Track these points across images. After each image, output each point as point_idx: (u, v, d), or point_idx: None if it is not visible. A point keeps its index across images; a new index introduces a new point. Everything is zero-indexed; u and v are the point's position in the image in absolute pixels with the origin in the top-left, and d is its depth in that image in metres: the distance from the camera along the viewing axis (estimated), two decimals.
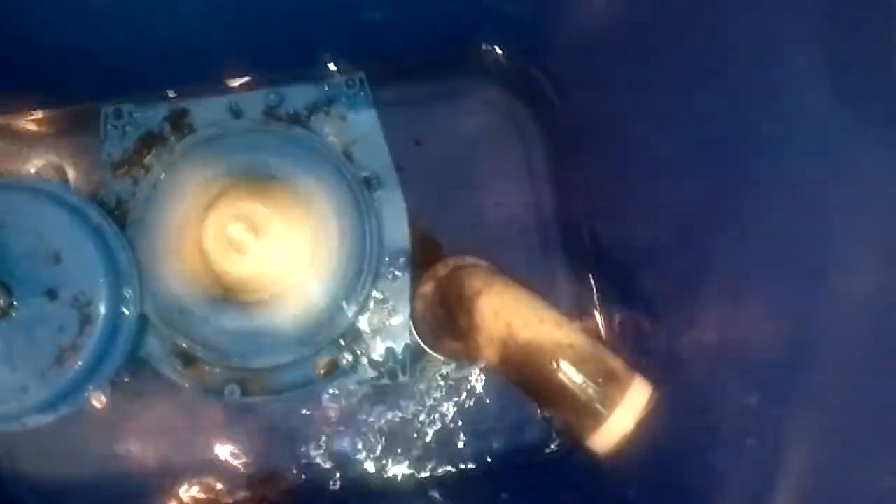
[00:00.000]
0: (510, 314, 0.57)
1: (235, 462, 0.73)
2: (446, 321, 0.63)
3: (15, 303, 0.62)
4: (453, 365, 0.72)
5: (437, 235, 0.80)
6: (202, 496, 0.75)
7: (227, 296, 0.66)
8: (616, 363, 0.55)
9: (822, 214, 0.45)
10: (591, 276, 0.78)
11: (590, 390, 0.54)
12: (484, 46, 0.81)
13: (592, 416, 0.54)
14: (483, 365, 0.71)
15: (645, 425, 0.55)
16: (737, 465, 0.52)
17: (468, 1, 0.74)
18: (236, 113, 0.70)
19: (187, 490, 0.75)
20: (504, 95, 0.83)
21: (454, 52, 0.82)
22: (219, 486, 0.74)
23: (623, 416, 0.54)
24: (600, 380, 0.54)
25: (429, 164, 0.82)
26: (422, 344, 0.72)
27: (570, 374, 0.54)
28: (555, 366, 0.55)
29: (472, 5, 0.75)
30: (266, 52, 0.73)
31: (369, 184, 0.69)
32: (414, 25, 0.76)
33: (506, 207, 0.83)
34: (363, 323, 0.69)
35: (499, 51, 0.81)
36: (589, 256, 0.78)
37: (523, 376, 0.56)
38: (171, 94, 0.73)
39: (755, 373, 0.53)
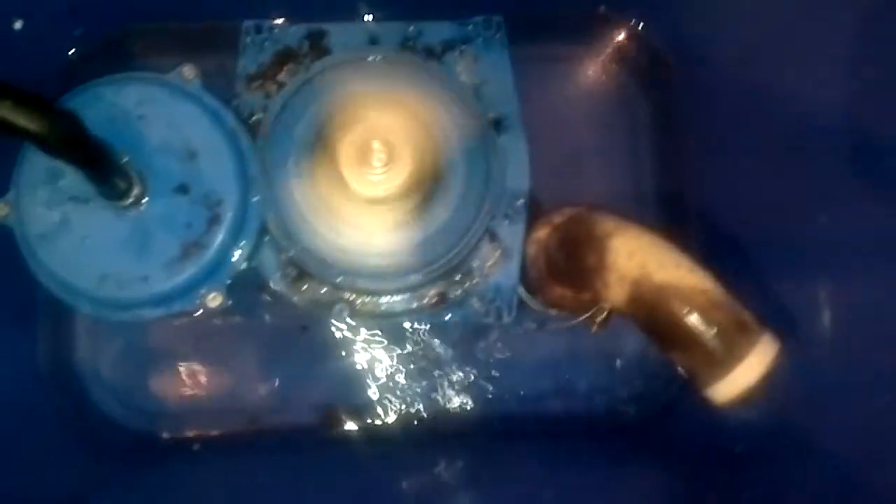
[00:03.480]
0: (645, 256, 0.57)
1: (323, 390, 0.74)
2: (564, 263, 0.63)
3: (148, 194, 0.63)
4: (555, 314, 0.72)
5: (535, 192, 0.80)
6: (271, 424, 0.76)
7: (348, 216, 0.66)
8: (747, 315, 0.56)
9: None
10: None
11: (720, 338, 0.54)
12: (608, 13, 0.82)
13: (719, 364, 0.54)
14: (585, 316, 0.72)
15: (767, 383, 0.56)
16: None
17: None
18: (373, 40, 0.71)
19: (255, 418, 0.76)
20: (618, 67, 0.84)
21: (575, 16, 0.83)
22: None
23: (749, 369, 0.54)
24: (731, 329, 0.55)
25: (531, 124, 0.82)
26: (525, 292, 0.73)
27: (702, 319, 0.55)
28: (688, 310, 0.55)
29: None
30: None
31: (498, 125, 0.70)
32: None
33: (604, 177, 0.84)
34: (476, 260, 0.69)
35: (625, 22, 0.82)
36: (686, 224, 0.79)
37: (652, 318, 0.57)
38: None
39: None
